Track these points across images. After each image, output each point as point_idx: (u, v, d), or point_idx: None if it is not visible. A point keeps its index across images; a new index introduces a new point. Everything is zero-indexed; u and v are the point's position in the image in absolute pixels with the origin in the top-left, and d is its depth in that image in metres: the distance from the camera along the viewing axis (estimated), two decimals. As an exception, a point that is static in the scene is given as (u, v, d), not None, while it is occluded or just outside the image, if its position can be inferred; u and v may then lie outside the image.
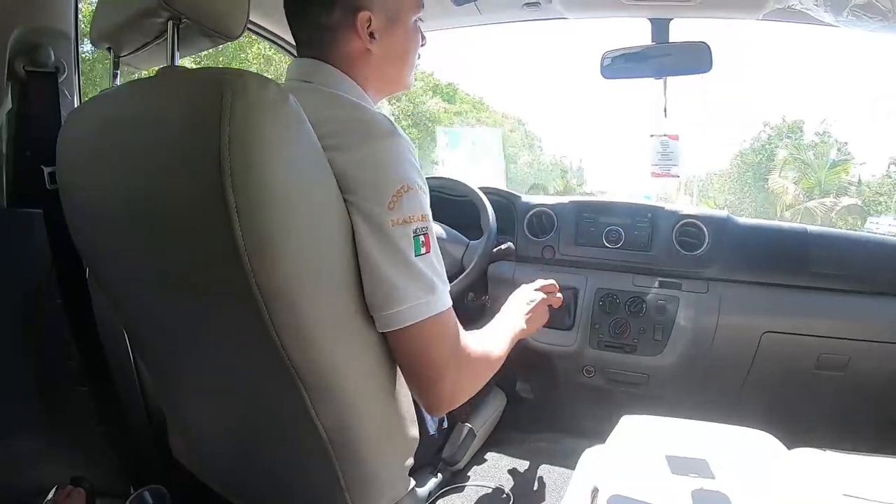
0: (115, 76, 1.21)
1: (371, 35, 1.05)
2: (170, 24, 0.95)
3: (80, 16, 1.31)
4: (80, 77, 1.34)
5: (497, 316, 1.35)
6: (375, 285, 0.88)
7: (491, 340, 1.18)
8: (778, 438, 1.32)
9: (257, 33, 1.89)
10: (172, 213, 0.82)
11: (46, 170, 1.16)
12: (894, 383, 1.99)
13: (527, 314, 1.37)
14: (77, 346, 1.23)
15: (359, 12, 1.03)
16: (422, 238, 0.90)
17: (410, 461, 1.07)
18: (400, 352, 0.95)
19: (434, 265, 0.93)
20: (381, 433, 0.98)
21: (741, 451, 1.28)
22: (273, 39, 1.93)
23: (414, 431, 1.07)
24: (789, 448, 1.30)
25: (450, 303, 0.97)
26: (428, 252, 0.92)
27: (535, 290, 1.45)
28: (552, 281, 1.48)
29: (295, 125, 0.80)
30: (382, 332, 0.92)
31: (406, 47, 1.13)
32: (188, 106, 0.78)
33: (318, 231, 0.83)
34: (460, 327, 1.02)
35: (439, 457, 1.38)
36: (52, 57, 1.22)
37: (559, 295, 1.46)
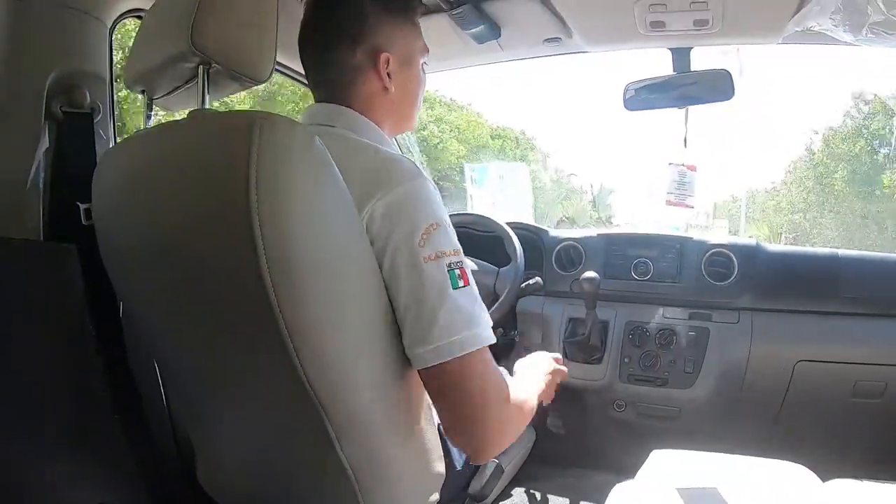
0: (148, 117, 1.24)
1: (388, 76, 1.09)
2: (200, 68, 0.98)
3: (114, 59, 1.36)
4: (115, 117, 1.38)
5: (519, 373, 1.32)
6: (415, 322, 0.88)
7: (524, 389, 1.13)
8: (815, 470, 1.31)
9: (287, 75, 1.93)
10: (201, 253, 0.84)
11: (82, 206, 1.18)
12: None
13: (545, 382, 1.32)
14: (109, 377, 1.23)
15: (380, 53, 1.07)
16: (457, 271, 0.90)
17: (436, 497, 1.06)
18: (442, 390, 0.92)
19: (475, 298, 0.92)
20: (408, 468, 0.97)
21: (774, 484, 1.27)
22: (303, 81, 1.96)
23: (440, 467, 1.05)
24: (826, 480, 1.28)
25: (493, 338, 0.93)
26: (467, 285, 0.91)
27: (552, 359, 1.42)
28: (558, 355, 1.46)
29: (322, 168, 0.81)
30: (421, 370, 0.91)
31: (416, 90, 1.17)
32: (217, 148, 0.80)
33: (344, 272, 0.84)
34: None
35: (466, 493, 1.35)
36: (88, 98, 1.25)
37: (565, 369, 1.43)
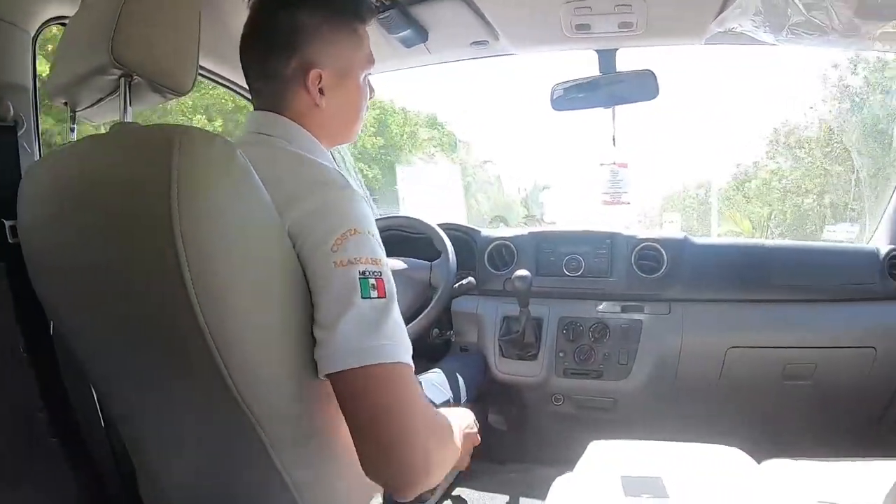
0: (72, 130, 1.20)
1: (321, 91, 1.05)
2: (122, 80, 0.95)
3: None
4: (40, 130, 1.32)
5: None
6: (319, 325, 0.83)
7: (450, 422, 1.06)
8: (751, 451, 1.35)
9: (213, 80, 1.87)
10: (127, 270, 0.81)
11: (7, 223, 1.12)
12: (861, 387, 2.04)
13: (464, 434, 1.22)
14: (44, 398, 1.18)
15: (311, 69, 1.03)
16: (372, 281, 0.84)
17: (378, 500, 1.06)
18: (345, 406, 0.85)
19: (389, 315, 0.85)
20: (348, 475, 0.94)
21: (711, 468, 1.30)
22: (228, 85, 1.92)
23: None
24: (761, 461, 1.34)
25: (408, 361, 0.87)
26: (382, 298, 0.85)
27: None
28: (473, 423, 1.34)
29: (243, 180, 0.79)
30: (331, 379, 0.86)
31: (355, 103, 1.13)
32: (137, 164, 0.78)
33: (269, 284, 0.82)
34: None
35: None
36: (12, 111, 1.20)
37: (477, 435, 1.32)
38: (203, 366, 0.77)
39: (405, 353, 0.86)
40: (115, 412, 1.14)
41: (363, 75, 1.12)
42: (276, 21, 1.03)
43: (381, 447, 0.84)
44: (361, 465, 0.85)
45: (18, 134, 1.22)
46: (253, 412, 0.81)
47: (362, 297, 0.82)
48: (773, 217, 15.67)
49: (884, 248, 2.08)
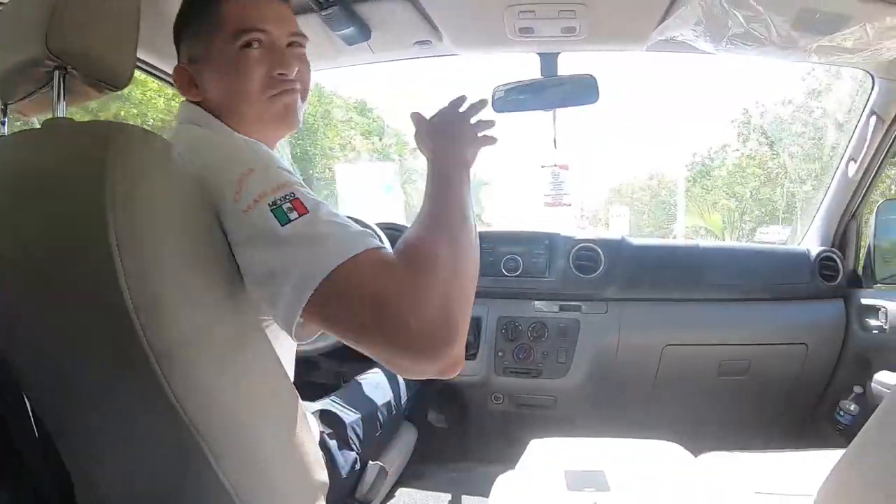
0: (2, 124, 1.11)
1: (195, 86, 1.04)
2: (56, 73, 0.89)
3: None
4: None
5: (428, 183, 1.02)
6: (262, 287, 0.79)
7: (434, 221, 0.91)
8: (690, 446, 1.39)
9: (152, 74, 1.81)
10: (60, 275, 0.78)
11: None
12: (793, 382, 2.13)
13: (457, 146, 1.07)
14: None
15: (179, 65, 1.05)
16: (286, 205, 0.79)
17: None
18: (337, 327, 0.78)
19: (319, 221, 0.79)
20: (290, 480, 0.95)
21: (649, 463, 1.34)
22: (167, 80, 1.84)
23: (323, 475, 1.04)
24: (698, 454, 1.38)
25: (355, 246, 0.78)
26: (305, 213, 0.79)
27: (447, 111, 1.16)
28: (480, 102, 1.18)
29: (179, 181, 0.78)
30: (306, 322, 0.80)
31: (238, 82, 1.04)
32: (71, 163, 0.76)
33: (207, 287, 0.80)
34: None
35: (353, 498, 1.36)
36: None
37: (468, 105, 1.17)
38: (140, 375, 0.75)
39: (356, 244, 0.78)
40: (51, 421, 1.09)
41: (235, 47, 1.08)
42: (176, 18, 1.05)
43: (380, 328, 0.76)
44: (393, 368, 0.80)
45: None
46: (191, 419, 0.79)
47: (282, 226, 0.78)
48: (744, 211, 14.56)
49: (814, 250, 2.16)
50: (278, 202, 0.79)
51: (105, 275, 0.70)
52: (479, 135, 1.11)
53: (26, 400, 1.20)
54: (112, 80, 0.90)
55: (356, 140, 15.08)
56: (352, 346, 0.79)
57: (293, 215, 0.78)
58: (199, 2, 1.04)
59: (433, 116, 1.13)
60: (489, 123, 1.14)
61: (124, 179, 0.70)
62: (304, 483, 0.94)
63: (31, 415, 1.22)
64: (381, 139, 15.97)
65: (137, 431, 0.91)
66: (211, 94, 1.04)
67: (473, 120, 1.12)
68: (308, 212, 0.79)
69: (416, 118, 1.15)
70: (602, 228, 15.15)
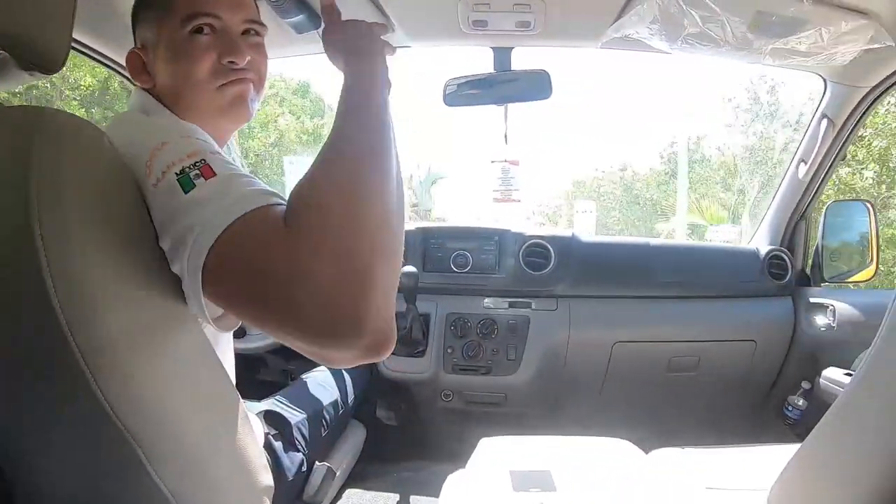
0: None
1: (147, 72, 1.01)
2: None
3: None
4: None
5: (339, 105, 0.86)
6: (174, 266, 0.73)
7: (336, 154, 0.76)
8: (640, 442, 1.41)
9: (90, 56, 1.71)
10: None
11: None
12: (743, 377, 2.17)
13: (376, 60, 0.97)
14: None
15: (133, 50, 1.01)
16: (193, 173, 0.72)
17: None
18: (232, 300, 0.70)
19: (222, 182, 0.72)
20: (233, 485, 0.92)
21: (600, 460, 1.35)
22: (107, 63, 1.77)
23: (268, 479, 1.01)
24: (649, 451, 1.39)
25: (253, 204, 0.70)
26: (211, 177, 0.72)
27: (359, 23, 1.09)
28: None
29: (109, 170, 0.74)
30: (209, 297, 0.72)
31: (185, 69, 0.99)
32: None
33: (138, 281, 0.76)
34: None
35: (301, 500, 1.34)
36: None
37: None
38: (68, 374, 0.71)
39: (248, 202, 0.69)
40: None
41: (180, 35, 1.04)
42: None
43: (278, 312, 0.66)
44: (308, 356, 0.70)
45: None
46: (125, 423, 0.75)
47: (185, 193, 0.71)
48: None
49: (763, 249, 2.19)
50: (186, 170, 0.73)
51: (30, 273, 0.66)
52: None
53: None
54: (44, 63, 0.84)
55: (282, 120, 14.57)
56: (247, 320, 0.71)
57: (199, 181, 0.72)
58: None
59: (342, 24, 1.10)
60: (384, 27, 1.10)
61: (51, 171, 0.66)
62: (247, 487, 0.92)
63: None
64: (311, 119, 15.58)
65: (71, 437, 0.86)
66: (160, 80, 1.00)
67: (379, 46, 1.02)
68: (215, 175, 0.72)
69: (328, 14, 1.12)
70: (562, 226, 14.74)
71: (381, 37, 1.05)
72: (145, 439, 0.77)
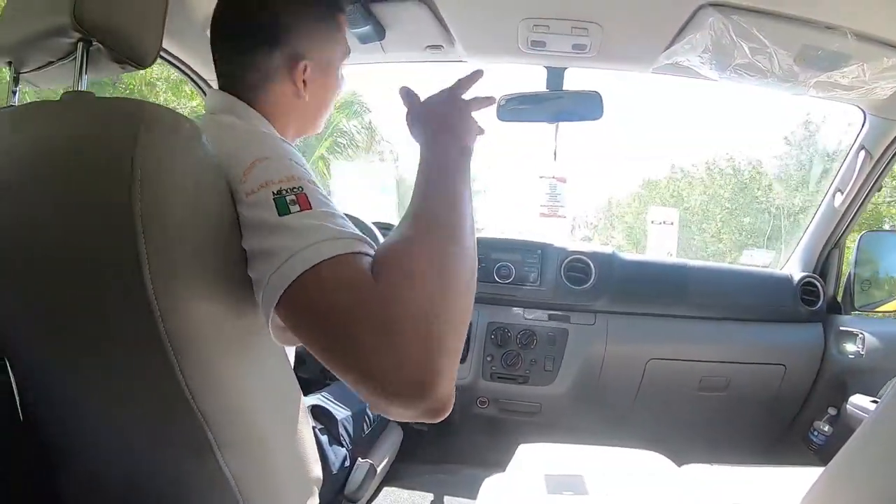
0: (14, 93, 1.08)
1: (304, 83, 1.03)
2: (80, 45, 0.87)
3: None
4: None
5: (419, 177, 0.88)
6: (252, 273, 0.76)
7: (424, 223, 0.79)
8: (668, 457, 1.43)
9: (170, 62, 1.80)
10: (74, 250, 0.77)
11: None
12: (771, 400, 2.20)
13: (457, 135, 0.96)
14: None
15: (299, 61, 1.01)
16: (290, 198, 0.75)
17: (315, 501, 1.04)
18: (307, 332, 0.71)
19: (317, 217, 0.74)
20: (288, 474, 0.96)
21: (635, 471, 1.37)
22: (185, 70, 1.86)
23: (318, 471, 1.04)
24: (679, 465, 1.41)
25: (347, 245, 0.72)
26: (307, 209, 0.74)
27: (448, 96, 1.05)
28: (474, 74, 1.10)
29: (206, 165, 0.77)
30: (279, 314, 0.74)
31: (330, 95, 1.11)
32: (97, 138, 0.74)
33: (224, 276, 0.80)
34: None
35: (342, 495, 1.36)
36: None
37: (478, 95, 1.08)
38: (152, 357, 0.75)
39: (337, 245, 0.72)
40: (42, 407, 1.08)
41: (341, 66, 1.11)
42: (261, 13, 1.00)
43: (350, 363, 0.67)
44: (361, 393, 0.68)
45: None
46: (199, 405, 0.78)
47: (280, 216, 0.74)
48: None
49: (797, 275, 2.23)
50: (283, 192, 0.75)
51: (128, 257, 0.69)
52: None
53: (11, 377, 1.21)
54: (137, 58, 0.89)
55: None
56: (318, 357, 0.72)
57: (294, 208, 0.74)
58: (323, 2, 1.05)
59: (429, 98, 1.04)
60: (490, 100, 1.07)
61: (153, 160, 0.69)
62: (301, 477, 0.94)
63: (15, 394, 1.22)
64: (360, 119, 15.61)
65: (146, 415, 0.90)
66: (308, 99, 1.04)
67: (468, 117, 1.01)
68: (311, 208, 0.74)
69: (407, 96, 1.06)
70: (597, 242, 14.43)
71: (476, 111, 1.04)
72: (218, 424, 0.81)
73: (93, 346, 0.86)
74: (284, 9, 1.00)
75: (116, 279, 0.74)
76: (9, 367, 1.15)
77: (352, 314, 0.67)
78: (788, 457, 2.22)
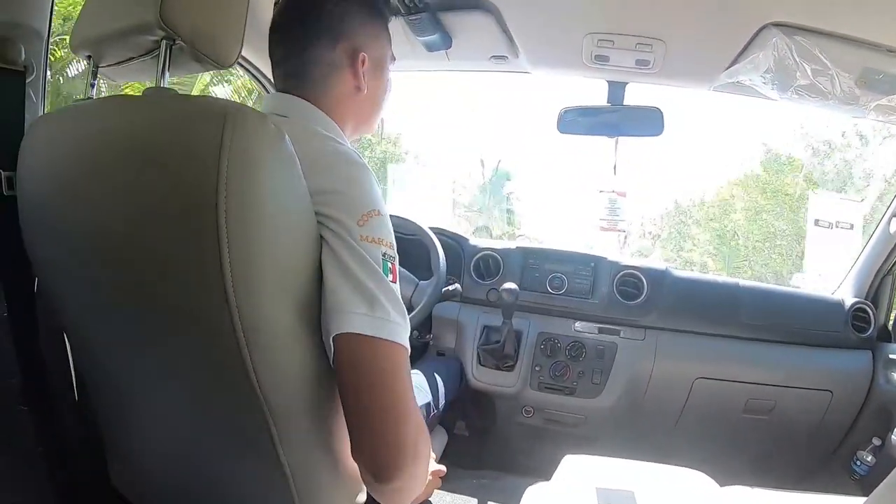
0: (92, 86, 1.10)
1: (363, 76, 1.09)
2: (163, 43, 0.89)
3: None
4: (47, 80, 1.26)
5: None
6: (341, 286, 0.83)
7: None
8: (711, 476, 1.42)
9: (242, 66, 1.89)
10: (154, 244, 0.80)
11: (4, 174, 1.09)
12: (816, 426, 2.16)
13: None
14: (20, 364, 1.14)
15: (359, 53, 1.07)
16: (390, 265, 0.86)
17: (363, 496, 1.05)
18: (350, 374, 0.84)
19: (399, 298, 0.87)
20: (345, 467, 0.96)
21: (679, 488, 1.38)
22: (255, 75, 1.94)
23: None
24: (721, 485, 1.40)
25: (408, 346, 0.87)
26: (395, 282, 0.87)
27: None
28: (442, 467, 1.31)
29: (288, 164, 0.80)
30: (336, 342, 0.85)
31: (383, 94, 1.17)
32: (183, 133, 0.77)
33: (299, 268, 0.82)
34: None
35: None
36: (23, 55, 1.15)
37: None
38: (224, 348, 0.77)
39: (407, 339, 0.87)
40: (98, 389, 1.11)
41: (390, 67, 1.17)
42: (322, 10, 1.06)
43: (376, 421, 0.84)
44: (351, 439, 0.86)
45: (27, 81, 1.18)
46: (268, 402, 0.80)
47: (384, 275, 0.85)
48: None
49: (849, 300, 2.21)
50: (388, 257, 0.86)
51: (209, 249, 0.71)
52: None
53: (70, 362, 1.22)
54: (219, 58, 0.92)
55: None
56: (341, 395, 0.86)
57: (388, 277, 0.85)
58: (378, 6, 1.13)
59: None
60: None
61: (238, 159, 0.71)
62: (353, 474, 0.94)
63: (73, 378, 1.24)
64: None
65: (206, 407, 0.93)
66: (366, 93, 1.10)
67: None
68: (396, 283, 0.87)
69: None
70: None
71: None
72: (282, 418, 0.83)
73: (164, 335, 0.88)
74: (345, 6, 1.06)
75: (196, 272, 0.76)
76: (68, 347, 1.21)
77: (386, 392, 0.83)
78: (830, 485, 2.19)
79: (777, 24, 1.46)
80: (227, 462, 0.98)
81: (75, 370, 1.25)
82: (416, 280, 2.04)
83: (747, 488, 1.43)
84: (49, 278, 1.05)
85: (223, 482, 1.00)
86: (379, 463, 0.84)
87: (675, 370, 2.17)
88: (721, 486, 1.41)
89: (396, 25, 1.67)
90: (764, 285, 2.37)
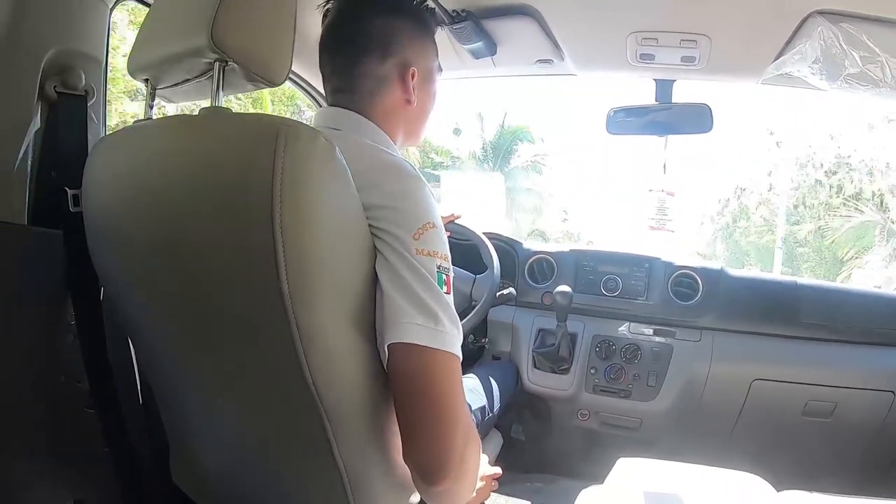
0: (151, 108, 1.15)
1: (413, 89, 1.11)
2: (216, 65, 0.92)
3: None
4: (106, 103, 1.33)
5: None
6: (396, 297, 0.85)
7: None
8: (767, 481, 1.39)
9: (293, 81, 1.95)
10: (211, 255, 0.83)
11: (70, 192, 1.14)
12: (878, 429, 2.08)
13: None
14: (87, 369, 1.21)
15: (409, 66, 1.10)
16: (444, 276, 0.88)
17: (416, 497, 1.06)
18: (404, 382, 0.87)
19: (453, 310, 0.89)
20: (393, 471, 0.97)
21: (734, 492, 1.35)
22: (307, 89, 2.00)
23: None
24: (778, 490, 1.37)
25: (460, 356, 0.90)
26: (449, 293, 0.89)
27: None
28: (498, 470, 1.32)
29: (341, 178, 0.82)
30: (391, 350, 0.87)
31: (430, 106, 1.20)
32: (239, 153, 0.79)
33: (353, 277, 0.85)
34: None
35: None
36: (83, 80, 1.22)
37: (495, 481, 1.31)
38: (281, 353, 0.79)
39: (459, 348, 0.89)
40: (162, 392, 1.16)
41: (437, 80, 1.20)
42: (371, 25, 1.08)
43: (427, 426, 0.87)
44: (403, 443, 0.89)
45: (89, 104, 1.24)
46: (322, 401, 0.82)
47: (437, 285, 0.87)
48: None
49: (913, 296, 2.10)
50: (442, 269, 0.88)
51: (265, 263, 0.74)
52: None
53: (135, 367, 1.28)
54: (270, 76, 0.95)
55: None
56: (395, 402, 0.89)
57: (444, 288, 0.87)
58: (425, 20, 1.15)
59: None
60: None
61: (292, 174, 0.74)
62: (406, 475, 0.95)
63: (137, 382, 1.29)
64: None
65: (264, 409, 0.95)
66: (416, 106, 1.13)
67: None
68: (450, 294, 0.89)
69: None
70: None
71: None
72: (338, 418, 0.85)
73: (224, 344, 0.92)
74: (393, 21, 1.09)
75: (254, 286, 0.79)
76: (133, 356, 1.27)
77: (441, 400, 0.86)
78: (891, 490, 2.09)
79: (822, 12, 1.43)
80: (284, 464, 1.00)
81: (139, 375, 1.31)
82: (473, 275, 2.07)
83: (805, 493, 1.38)
84: (113, 288, 1.10)
85: (280, 483, 1.02)
86: (427, 466, 0.88)
87: (731, 372, 2.12)
88: (778, 490, 1.37)
89: (442, 35, 1.69)
90: (825, 283, 2.29)
